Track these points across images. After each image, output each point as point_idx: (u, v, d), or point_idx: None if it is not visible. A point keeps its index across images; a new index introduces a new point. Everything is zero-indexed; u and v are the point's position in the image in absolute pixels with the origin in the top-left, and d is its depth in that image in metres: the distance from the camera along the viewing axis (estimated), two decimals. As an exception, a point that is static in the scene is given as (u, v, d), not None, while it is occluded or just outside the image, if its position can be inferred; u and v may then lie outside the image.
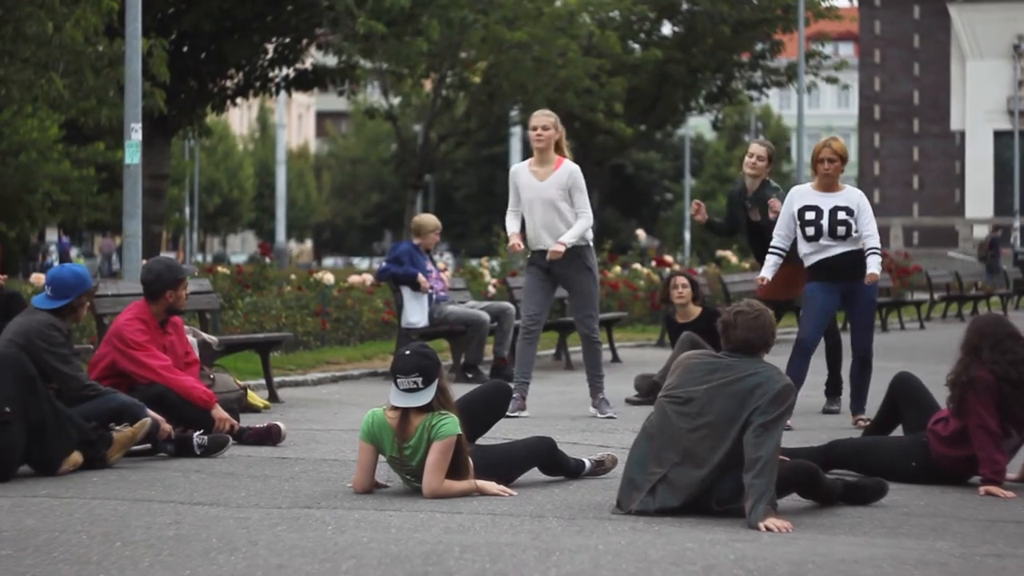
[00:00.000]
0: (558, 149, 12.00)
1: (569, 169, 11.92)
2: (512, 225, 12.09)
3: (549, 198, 11.87)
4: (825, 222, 11.23)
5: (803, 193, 11.40)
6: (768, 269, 11.42)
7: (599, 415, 11.85)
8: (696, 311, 14.04)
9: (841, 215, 11.24)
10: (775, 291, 11.76)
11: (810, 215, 11.27)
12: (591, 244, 12.04)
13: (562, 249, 11.75)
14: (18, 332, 9.05)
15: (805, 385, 11.34)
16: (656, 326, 23.12)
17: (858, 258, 11.29)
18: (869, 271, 11.18)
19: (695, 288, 14.20)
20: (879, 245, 11.31)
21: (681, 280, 14.20)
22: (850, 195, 11.37)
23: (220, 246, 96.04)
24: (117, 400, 9.16)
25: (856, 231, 11.27)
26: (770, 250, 11.45)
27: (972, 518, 7.34)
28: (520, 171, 12.10)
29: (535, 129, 11.96)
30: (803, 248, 11.38)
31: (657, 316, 23.21)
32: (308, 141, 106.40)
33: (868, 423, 11.00)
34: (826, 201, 11.29)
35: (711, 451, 7.13)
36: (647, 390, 13.03)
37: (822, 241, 11.26)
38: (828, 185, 11.35)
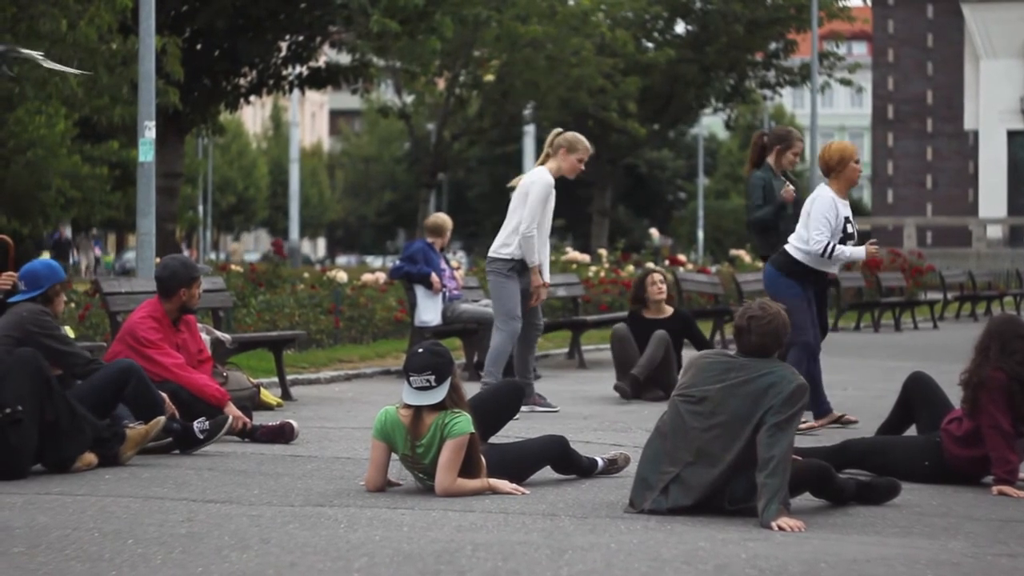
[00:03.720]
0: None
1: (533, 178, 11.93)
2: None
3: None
4: (854, 230, 11.00)
5: (839, 201, 10.84)
6: (859, 248, 10.91)
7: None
8: (668, 311, 13.86)
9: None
10: None
11: (850, 228, 10.83)
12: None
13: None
14: (11, 325, 9.05)
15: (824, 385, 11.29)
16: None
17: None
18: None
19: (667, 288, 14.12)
20: None
21: (658, 276, 13.98)
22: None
23: (234, 244, 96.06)
24: (122, 362, 9.24)
25: None
26: (836, 247, 10.72)
27: (985, 518, 7.33)
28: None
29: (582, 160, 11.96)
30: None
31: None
32: (321, 139, 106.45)
33: (818, 426, 10.94)
34: (848, 209, 10.90)
35: (724, 450, 7.13)
36: (631, 387, 12.89)
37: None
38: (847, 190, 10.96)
